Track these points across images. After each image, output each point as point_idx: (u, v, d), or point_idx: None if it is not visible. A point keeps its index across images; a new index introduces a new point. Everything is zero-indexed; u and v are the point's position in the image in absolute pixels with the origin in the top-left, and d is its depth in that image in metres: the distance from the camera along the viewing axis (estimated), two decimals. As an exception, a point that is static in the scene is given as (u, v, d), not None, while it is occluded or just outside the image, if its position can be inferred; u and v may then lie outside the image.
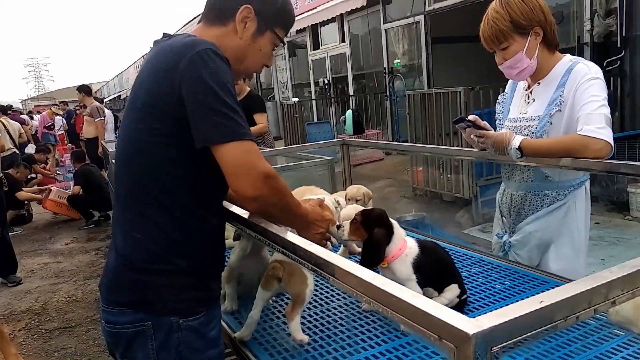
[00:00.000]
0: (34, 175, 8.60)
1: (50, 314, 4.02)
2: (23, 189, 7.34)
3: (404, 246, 1.58)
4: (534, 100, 1.95)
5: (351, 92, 11.81)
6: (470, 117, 1.96)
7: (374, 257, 1.54)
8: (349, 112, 9.74)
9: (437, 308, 0.74)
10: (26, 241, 6.36)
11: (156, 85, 1.24)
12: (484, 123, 1.96)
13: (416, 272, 1.57)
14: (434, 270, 1.64)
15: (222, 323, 1.82)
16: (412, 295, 0.80)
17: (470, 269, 2.12)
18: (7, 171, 6.99)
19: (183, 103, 1.18)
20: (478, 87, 5.71)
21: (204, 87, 1.17)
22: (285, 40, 1.46)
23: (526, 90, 2.00)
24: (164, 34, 1.40)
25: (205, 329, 1.34)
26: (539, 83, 1.94)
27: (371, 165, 8.31)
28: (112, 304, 1.32)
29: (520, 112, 1.99)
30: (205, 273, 1.36)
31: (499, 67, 1.91)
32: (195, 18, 20.67)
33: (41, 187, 7.93)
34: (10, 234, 5.20)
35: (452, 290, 1.71)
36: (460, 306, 1.71)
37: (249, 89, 4.68)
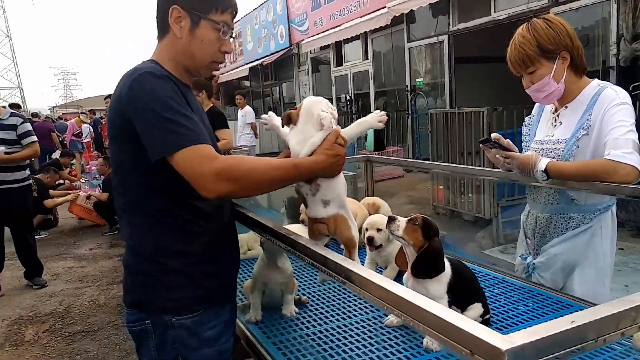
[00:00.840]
0: (61, 180, 8.79)
1: (73, 317, 4.10)
2: (51, 192, 7.53)
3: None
4: (560, 124, 1.97)
5: (372, 109, 11.88)
6: (493, 135, 1.98)
7: (437, 266, 1.53)
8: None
9: (470, 323, 0.77)
10: (51, 245, 6.50)
11: (112, 115, 1.37)
12: (507, 141, 1.99)
13: (448, 292, 1.58)
14: (460, 289, 1.66)
15: (246, 331, 1.87)
16: (444, 310, 0.83)
17: (493, 289, 2.13)
18: (37, 176, 7.18)
19: (133, 125, 1.29)
20: (502, 107, 5.71)
21: (142, 108, 1.28)
22: (232, 25, 1.46)
23: (553, 113, 2.01)
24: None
25: (199, 328, 1.42)
26: (566, 106, 1.95)
27: (391, 182, 8.31)
28: (126, 305, 1.48)
29: (547, 134, 2.01)
30: (197, 271, 1.42)
31: (526, 90, 1.94)
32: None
33: (69, 191, 8.11)
34: (36, 237, 5.32)
35: (476, 309, 1.72)
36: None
37: (210, 104, 4.59)
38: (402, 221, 1.56)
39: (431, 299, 0.99)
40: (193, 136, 1.26)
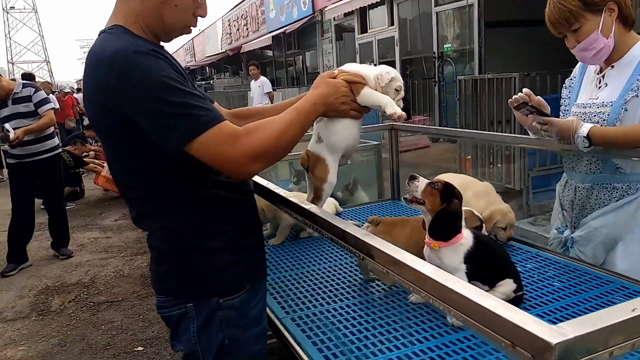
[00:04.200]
0: (86, 152, 8.87)
1: (98, 288, 4.13)
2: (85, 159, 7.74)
3: (461, 235, 1.51)
4: (606, 85, 1.79)
5: (398, 77, 11.57)
6: (524, 90, 1.79)
7: (454, 225, 1.48)
8: (395, 98, 9.54)
9: (511, 311, 0.66)
10: (78, 216, 6.57)
11: (98, 110, 1.20)
12: (538, 99, 1.79)
13: (466, 263, 1.50)
14: (486, 264, 1.56)
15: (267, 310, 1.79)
16: (480, 294, 0.72)
17: (526, 264, 2.01)
18: (66, 148, 7.25)
19: (126, 116, 1.13)
20: (535, 73, 5.42)
21: (141, 97, 1.10)
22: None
23: (598, 74, 1.84)
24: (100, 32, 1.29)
25: (247, 306, 1.33)
26: (612, 66, 1.78)
27: (417, 152, 8.13)
28: (159, 292, 1.35)
29: (590, 97, 1.84)
30: (239, 246, 1.33)
31: (571, 50, 1.76)
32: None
33: (95, 161, 8.20)
34: (66, 207, 5.35)
35: (506, 285, 1.61)
36: (515, 302, 1.61)
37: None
38: (422, 182, 1.49)
39: (446, 269, 0.89)
40: (209, 116, 1.13)
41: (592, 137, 1.67)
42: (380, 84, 1.32)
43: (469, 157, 5.99)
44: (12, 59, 61.93)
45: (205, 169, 1.20)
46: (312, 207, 1.23)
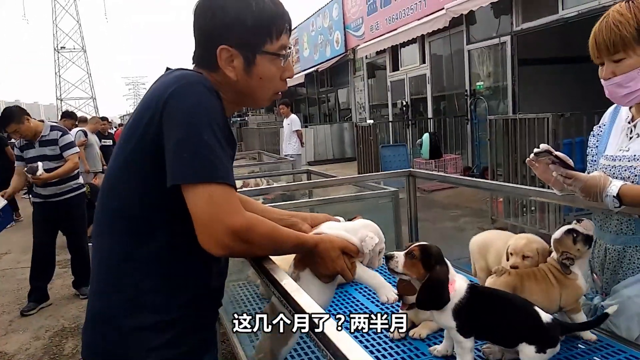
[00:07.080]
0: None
1: (112, 331, 4.05)
2: None
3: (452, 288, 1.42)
4: (637, 136, 1.61)
5: (430, 115, 11.42)
6: (542, 146, 1.59)
7: (441, 297, 1.39)
8: (425, 136, 9.41)
9: None
10: (103, 253, 6.59)
11: (141, 113, 1.14)
12: (563, 156, 1.61)
13: (458, 319, 1.40)
14: (492, 321, 1.43)
15: None
16: None
17: (551, 334, 1.78)
18: (89, 182, 7.34)
19: (159, 134, 1.08)
20: (569, 113, 5.19)
21: (180, 120, 1.06)
22: (288, 48, 1.26)
23: (629, 122, 1.65)
24: (167, 68, 1.27)
25: None
26: (644, 115, 1.59)
27: (446, 192, 7.87)
28: None
29: (620, 148, 1.65)
30: (184, 323, 1.17)
31: (602, 81, 1.57)
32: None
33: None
34: (89, 244, 5.38)
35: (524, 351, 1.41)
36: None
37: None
38: (400, 256, 1.42)
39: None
40: (226, 174, 1.07)
41: (623, 196, 1.48)
42: (364, 250, 1.30)
43: (501, 199, 5.74)
44: (60, 95, 65.03)
45: (187, 233, 1.08)
46: (287, 283, 1.09)
